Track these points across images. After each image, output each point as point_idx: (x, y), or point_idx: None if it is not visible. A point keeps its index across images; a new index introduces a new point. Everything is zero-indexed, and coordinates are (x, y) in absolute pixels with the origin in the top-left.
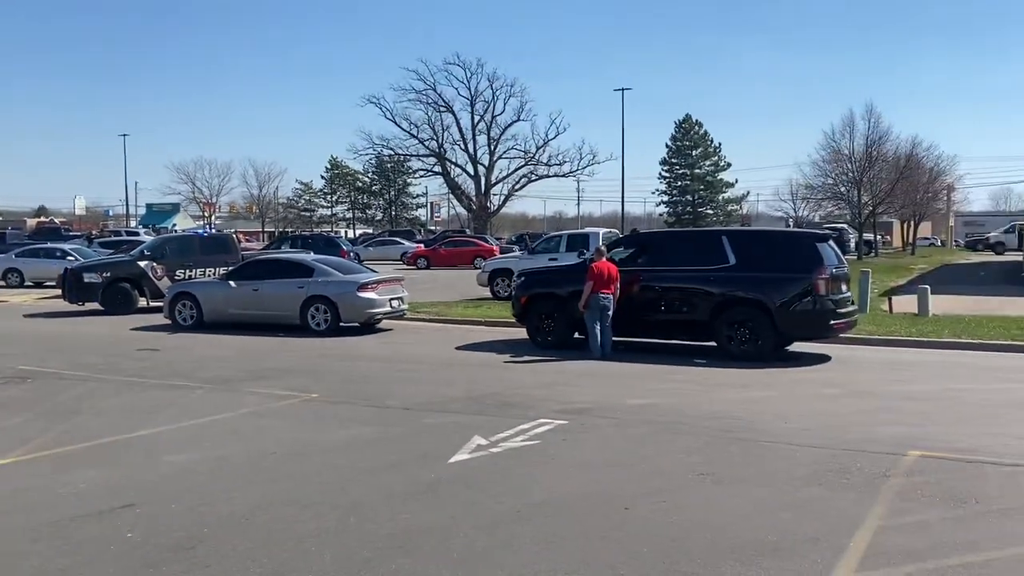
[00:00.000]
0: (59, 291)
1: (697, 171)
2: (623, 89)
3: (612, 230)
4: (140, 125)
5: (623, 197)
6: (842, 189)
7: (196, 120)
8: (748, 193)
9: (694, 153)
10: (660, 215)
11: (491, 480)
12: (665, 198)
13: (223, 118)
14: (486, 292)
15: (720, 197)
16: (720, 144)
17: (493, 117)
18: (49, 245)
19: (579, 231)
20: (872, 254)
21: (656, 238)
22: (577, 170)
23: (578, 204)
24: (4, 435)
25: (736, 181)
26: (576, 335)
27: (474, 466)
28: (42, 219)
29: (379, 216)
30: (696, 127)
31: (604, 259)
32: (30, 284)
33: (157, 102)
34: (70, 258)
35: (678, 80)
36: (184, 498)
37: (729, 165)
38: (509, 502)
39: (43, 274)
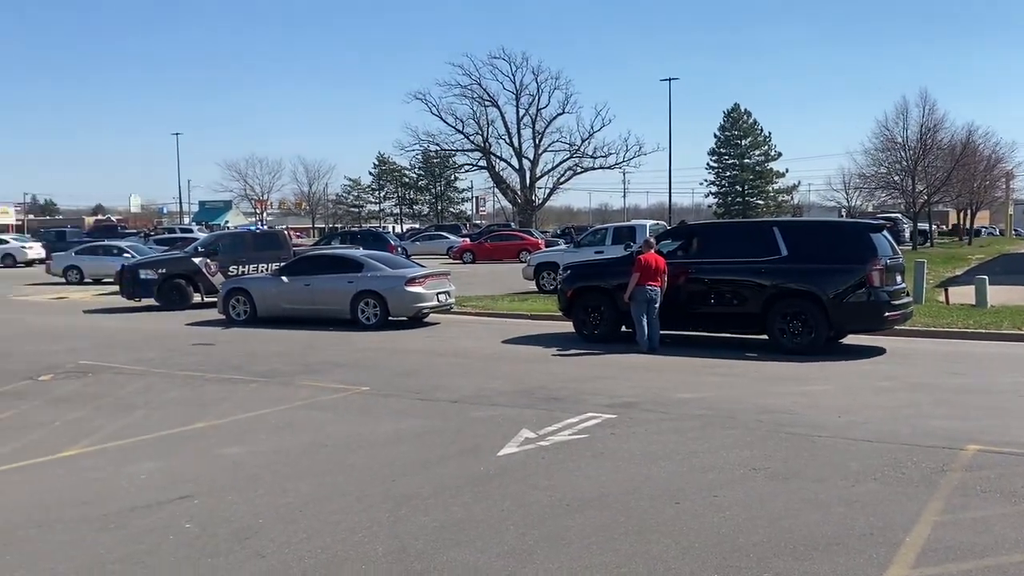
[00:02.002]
0: (117, 287)
1: (747, 161)
2: (670, 79)
3: (659, 222)
4: (193, 124)
5: (670, 188)
6: (896, 178)
7: (248, 119)
8: (799, 183)
9: (743, 143)
10: (709, 206)
11: (540, 473)
12: (714, 189)
13: (274, 116)
14: (532, 286)
15: (770, 187)
16: (770, 133)
17: (538, 110)
18: (107, 242)
19: (625, 223)
20: (927, 244)
21: (705, 229)
22: (623, 162)
23: (624, 196)
24: (68, 428)
25: (786, 171)
26: (623, 328)
27: (523, 459)
28: (99, 217)
29: (425, 211)
30: (745, 116)
31: (652, 251)
32: (89, 281)
33: (210, 101)
34: (127, 255)
35: (726, 69)
36: (240, 489)
37: (779, 155)
38: (558, 495)
39: (101, 271)
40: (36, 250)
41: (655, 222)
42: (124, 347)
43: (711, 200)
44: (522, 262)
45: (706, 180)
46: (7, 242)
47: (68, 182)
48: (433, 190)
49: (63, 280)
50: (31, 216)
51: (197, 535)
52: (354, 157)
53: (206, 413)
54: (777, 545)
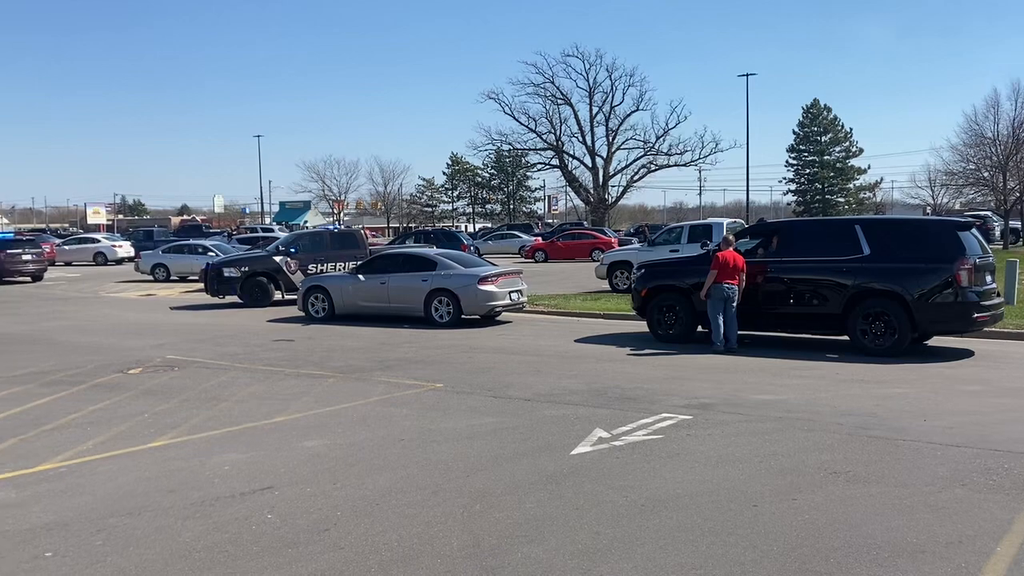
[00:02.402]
0: (202, 285)
1: (827, 158)
2: (747, 75)
3: (737, 220)
4: (274, 126)
5: (748, 186)
6: (985, 174)
7: (326, 121)
8: (882, 180)
9: (823, 139)
10: (787, 204)
11: (614, 473)
12: (793, 186)
13: (351, 119)
14: (604, 285)
15: (851, 184)
16: (851, 129)
17: (612, 108)
18: (192, 242)
19: (701, 221)
20: (1019, 243)
21: (784, 227)
22: (699, 159)
23: (700, 194)
24: (156, 419)
25: (868, 168)
26: (699, 329)
27: (596, 458)
28: (185, 217)
29: (498, 210)
30: (825, 112)
31: (730, 249)
32: (175, 278)
33: (290, 104)
34: (211, 254)
35: (805, 64)
36: (318, 482)
37: (861, 151)
38: (633, 495)
39: (187, 269)
40: (125, 249)
41: (732, 220)
42: (209, 342)
43: (790, 198)
44: (595, 261)
45: (785, 178)
46: (98, 241)
47: (156, 183)
48: (505, 189)
49: (151, 278)
50: (121, 216)
51: (278, 526)
52: (428, 157)
53: (286, 407)
54: (858, 551)
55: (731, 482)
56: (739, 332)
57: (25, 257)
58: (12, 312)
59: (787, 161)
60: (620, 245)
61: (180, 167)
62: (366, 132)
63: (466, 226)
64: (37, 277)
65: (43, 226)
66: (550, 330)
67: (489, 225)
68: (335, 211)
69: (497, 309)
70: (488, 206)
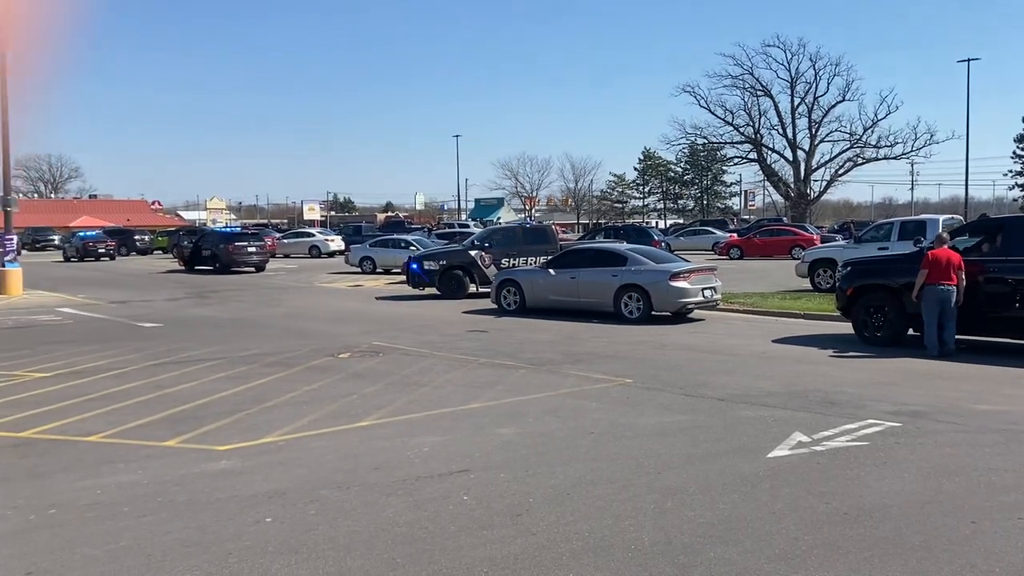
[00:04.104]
0: (404, 277)
1: None
2: (969, 60)
3: (955, 216)
4: (470, 126)
5: (967, 180)
6: None
7: (520, 119)
8: None
9: None
10: (1014, 200)
11: (814, 479)
12: (1020, 180)
13: (544, 115)
14: (805, 284)
15: None
16: None
17: (815, 98)
18: (395, 236)
19: (913, 218)
20: None
21: (1009, 224)
22: (911, 151)
23: (911, 189)
24: (363, 401)
25: None
26: (911, 331)
27: (795, 463)
28: (389, 213)
29: (691, 206)
30: None
31: (945, 247)
32: (380, 271)
33: (486, 102)
34: (412, 248)
35: None
36: (511, 468)
37: None
38: (835, 503)
39: (391, 262)
40: (337, 243)
41: (949, 216)
42: (409, 331)
43: (1016, 193)
44: (794, 259)
45: (1010, 171)
46: (313, 235)
47: (362, 182)
48: (699, 184)
49: (359, 269)
50: (332, 212)
51: (473, 507)
52: (619, 153)
53: (481, 394)
54: None
55: (946, 496)
56: (956, 337)
57: (250, 249)
58: (237, 299)
59: (1014, 152)
60: (822, 242)
61: (385, 167)
62: (558, 129)
63: (656, 222)
64: (260, 267)
65: (265, 221)
66: (745, 329)
67: (681, 221)
68: (527, 207)
69: (689, 306)
70: (680, 202)
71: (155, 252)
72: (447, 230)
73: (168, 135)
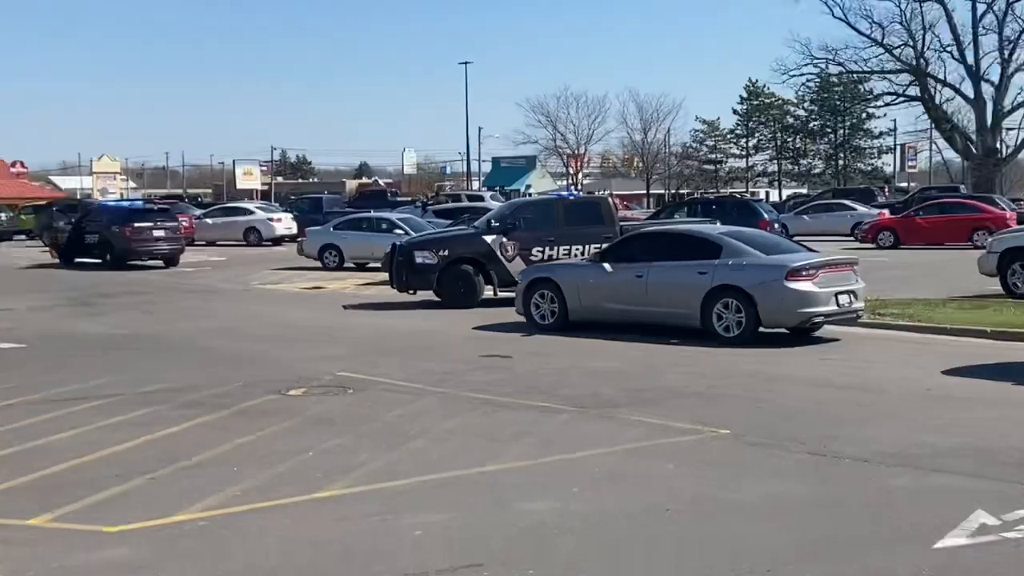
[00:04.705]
0: (385, 275)
1: None
2: None
3: None
4: (486, 48)
5: None
6: None
7: (560, 39)
8: None
9: None
10: None
11: None
12: None
13: (596, 34)
14: (994, 285)
15: None
16: None
17: (1009, 5)
18: (373, 215)
19: None
20: None
21: None
22: None
23: None
24: (324, 460)
25: None
26: None
27: (977, 556)
28: (364, 180)
29: (819, 169)
30: None
31: None
32: (350, 265)
33: (507, 17)
34: (399, 232)
35: None
36: (545, 564)
37: None
38: None
39: (366, 252)
40: (286, 223)
41: None
42: (395, 355)
43: None
44: (978, 247)
45: None
46: (251, 212)
47: (326, 134)
48: (832, 136)
49: (318, 264)
50: (280, 178)
51: None
52: (710, 89)
53: (501, 451)
54: None
55: None
56: None
57: (156, 233)
58: (144, 308)
59: None
60: (1019, 223)
61: (358, 109)
62: (615, 56)
63: (768, 192)
64: (172, 260)
65: (179, 192)
66: (902, 354)
67: (805, 191)
68: (571, 170)
69: (816, 319)
70: (803, 162)
71: (16, 236)
72: (450, 205)
73: (34, 70)
